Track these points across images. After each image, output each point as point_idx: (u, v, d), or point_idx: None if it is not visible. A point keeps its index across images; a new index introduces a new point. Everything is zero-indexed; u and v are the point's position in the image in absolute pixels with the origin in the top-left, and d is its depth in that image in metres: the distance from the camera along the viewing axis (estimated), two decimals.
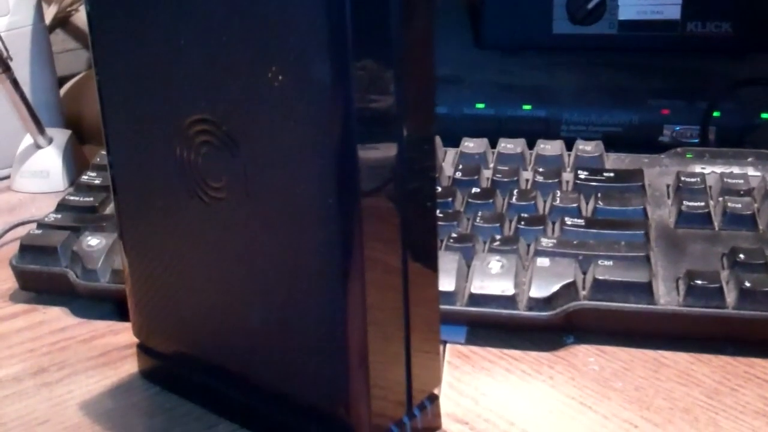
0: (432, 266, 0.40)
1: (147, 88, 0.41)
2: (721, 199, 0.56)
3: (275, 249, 0.38)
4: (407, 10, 0.35)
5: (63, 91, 0.91)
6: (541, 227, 0.54)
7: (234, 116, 0.38)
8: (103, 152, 0.65)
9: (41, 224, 0.60)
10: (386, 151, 0.36)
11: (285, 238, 0.38)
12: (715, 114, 0.71)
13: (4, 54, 0.70)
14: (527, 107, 0.74)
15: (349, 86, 0.34)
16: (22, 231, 0.65)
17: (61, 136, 0.77)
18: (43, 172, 0.75)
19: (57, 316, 0.56)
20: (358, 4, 0.33)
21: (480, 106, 0.75)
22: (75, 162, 0.77)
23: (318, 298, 0.37)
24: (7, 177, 0.77)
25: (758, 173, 0.59)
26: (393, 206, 0.37)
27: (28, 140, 0.76)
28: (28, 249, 0.57)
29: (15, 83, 0.72)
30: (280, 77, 0.35)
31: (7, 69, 0.71)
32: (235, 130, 0.38)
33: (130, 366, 0.49)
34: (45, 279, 0.57)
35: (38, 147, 0.76)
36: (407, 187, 0.37)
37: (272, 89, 0.35)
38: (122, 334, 0.53)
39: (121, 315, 0.54)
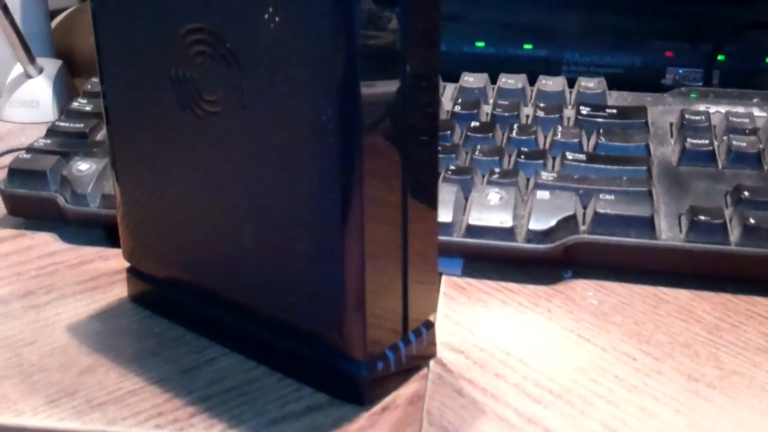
0: (431, 201, 0.39)
1: (143, 3, 0.40)
2: (725, 137, 0.55)
3: (271, 167, 0.37)
4: None
5: (54, 23, 0.90)
6: (541, 161, 0.53)
7: (233, 28, 0.36)
8: (95, 80, 0.64)
9: (30, 149, 0.58)
10: (389, 85, 0.35)
11: (282, 157, 0.36)
12: (720, 57, 0.70)
13: None
14: (528, 46, 0.73)
15: (352, 19, 0.33)
16: (10, 158, 0.64)
17: (51, 65, 0.76)
18: (33, 101, 0.74)
19: (45, 241, 0.55)
20: None
21: (480, 44, 0.74)
22: (65, 92, 0.75)
23: (316, 224, 0.37)
24: None
25: (763, 113, 0.58)
26: (394, 141, 0.36)
27: (18, 69, 0.75)
28: (16, 173, 0.56)
29: (5, 10, 0.70)
30: (282, 9, 0.34)
31: None
32: (233, 42, 0.36)
33: (119, 291, 0.48)
34: (33, 204, 0.55)
35: (28, 76, 0.75)
36: (409, 122, 0.36)
37: (269, 19, 0.34)
38: (112, 260, 0.52)
39: (111, 241, 0.53)
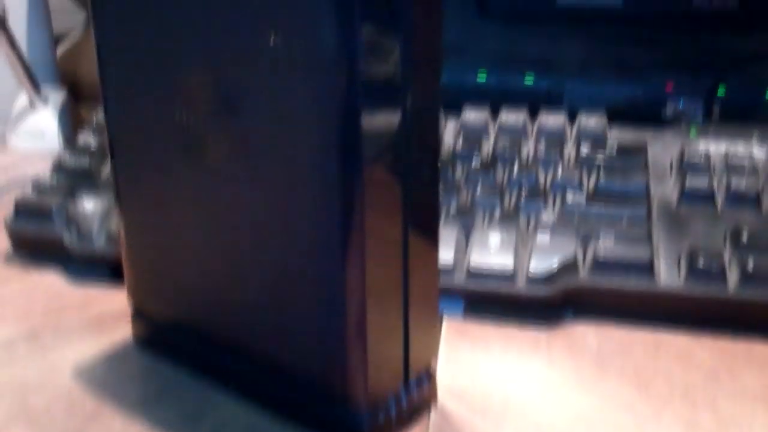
0: (433, 238, 0.40)
1: (146, 46, 0.40)
2: (725, 176, 0.55)
3: (274, 215, 0.38)
4: None
5: (60, 50, 0.90)
6: (541, 201, 0.54)
7: (235, 77, 0.37)
8: (100, 112, 0.65)
9: (36, 186, 0.59)
10: (390, 119, 0.35)
11: (284, 204, 0.37)
12: (720, 90, 0.70)
13: (1, 12, 0.69)
14: (530, 78, 0.73)
15: (355, 53, 0.33)
16: (16, 193, 0.64)
17: (56, 95, 0.76)
18: (39, 131, 0.75)
19: (52, 279, 0.55)
20: None
21: (482, 76, 0.74)
22: (70, 122, 0.76)
23: (317, 266, 0.37)
24: (2, 136, 0.77)
25: (763, 151, 0.59)
26: (395, 175, 0.36)
27: (23, 99, 0.76)
28: (22, 211, 0.57)
29: (11, 41, 0.71)
30: (283, 39, 0.34)
31: (3, 27, 0.70)
32: (235, 91, 0.37)
33: (124, 332, 0.49)
34: (39, 242, 0.56)
35: (34, 106, 0.75)
36: (410, 156, 0.36)
37: (275, 50, 0.35)
38: (117, 300, 0.52)
39: (116, 279, 0.53)
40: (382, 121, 0.35)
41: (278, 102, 0.35)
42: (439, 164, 0.39)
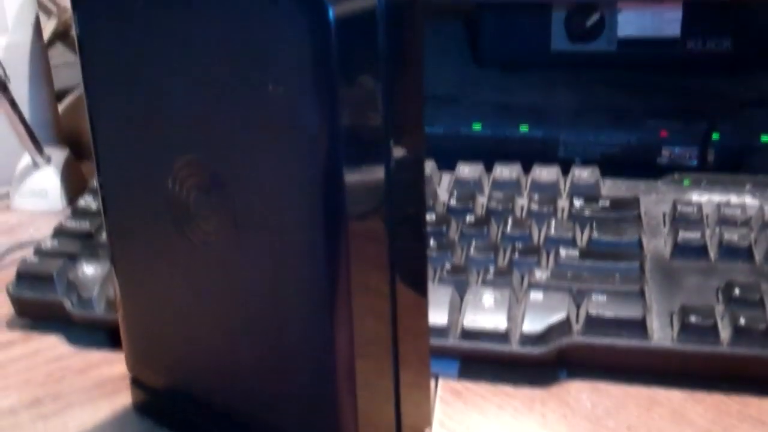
0: (422, 294, 0.40)
1: (138, 125, 0.41)
2: (717, 229, 0.56)
3: (264, 286, 0.38)
4: (395, 32, 0.34)
5: (62, 105, 0.92)
6: (535, 258, 0.54)
7: (222, 158, 0.37)
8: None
9: (38, 251, 0.60)
10: (373, 175, 0.35)
11: (273, 276, 0.37)
12: (715, 136, 0.71)
13: (2, 76, 0.70)
14: (524, 128, 0.74)
15: (335, 106, 0.33)
16: (20, 254, 0.65)
17: (59, 155, 0.77)
18: (42, 191, 0.76)
19: (53, 344, 0.56)
20: (343, 33, 0.32)
21: (477, 126, 0.75)
22: (73, 181, 0.77)
23: (305, 331, 0.37)
24: (6, 194, 0.78)
25: (756, 202, 0.59)
26: (381, 231, 0.36)
27: (26, 159, 0.77)
28: (24, 276, 0.57)
29: (13, 104, 0.72)
30: (266, 114, 0.35)
31: (5, 90, 0.71)
32: (224, 172, 0.38)
33: (124, 398, 0.49)
34: (41, 307, 0.57)
35: (36, 166, 0.76)
36: (395, 209, 0.37)
37: (259, 127, 0.35)
38: (117, 365, 0.53)
39: (116, 344, 0.53)
40: (365, 177, 0.35)
41: (264, 167, 0.36)
42: (425, 215, 0.39)
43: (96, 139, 0.44)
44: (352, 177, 0.34)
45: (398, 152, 0.36)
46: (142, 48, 0.39)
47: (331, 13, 0.32)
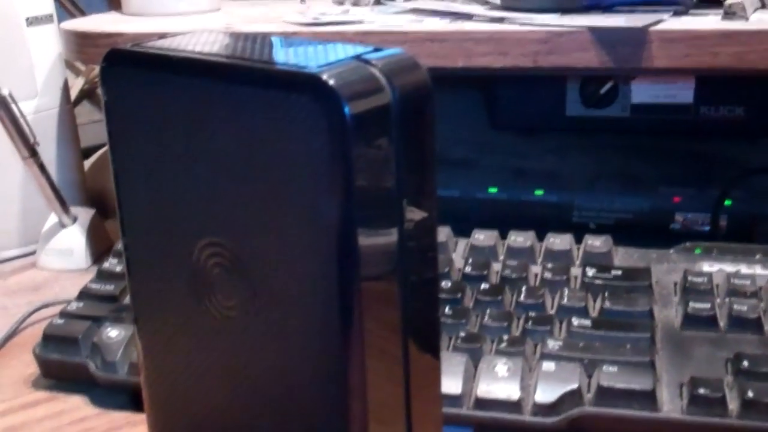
0: (435, 358, 0.40)
1: (161, 204, 0.42)
2: (727, 299, 0.57)
3: (280, 359, 0.39)
4: (408, 126, 0.36)
5: (88, 163, 0.94)
6: (548, 327, 0.55)
7: (242, 240, 0.39)
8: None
9: (63, 313, 0.61)
10: (386, 235, 0.36)
11: (289, 347, 0.38)
12: (727, 202, 0.72)
13: (32, 140, 0.72)
14: (539, 192, 0.76)
15: (349, 171, 0.34)
16: (46, 312, 0.67)
17: (84, 214, 0.79)
18: (67, 250, 0.77)
19: (77, 405, 0.57)
20: (359, 133, 0.34)
21: (492, 190, 0.77)
22: (98, 240, 0.79)
23: (320, 399, 0.38)
24: (33, 252, 0.79)
25: (766, 272, 0.60)
26: (394, 292, 0.37)
27: (53, 219, 0.78)
28: (50, 338, 0.59)
29: (41, 167, 0.74)
30: (283, 203, 0.36)
31: (34, 154, 0.73)
32: (244, 253, 0.39)
33: None
34: (66, 368, 0.58)
35: (62, 226, 0.78)
36: (409, 271, 0.37)
37: (277, 212, 0.37)
38: (140, 427, 0.54)
39: (139, 406, 0.54)
40: (378, 237, 0.36)
41: (281, 247, 0.37)
42: (438, 282, 0.40)
43: (121, 207, 0.45)
44: (366, 238, 0.35)
45: (411, 214, 0.37)
46: (165, 132, 0.41)
47: (347, 111, 0.33)
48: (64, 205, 0.77)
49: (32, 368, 0.60)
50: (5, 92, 0.69)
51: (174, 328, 0.44)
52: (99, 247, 0.78)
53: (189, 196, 0.41)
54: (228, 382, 0.42)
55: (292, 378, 0.39)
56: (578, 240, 0.66)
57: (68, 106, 0.83)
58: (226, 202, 0.39)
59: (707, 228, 0.72)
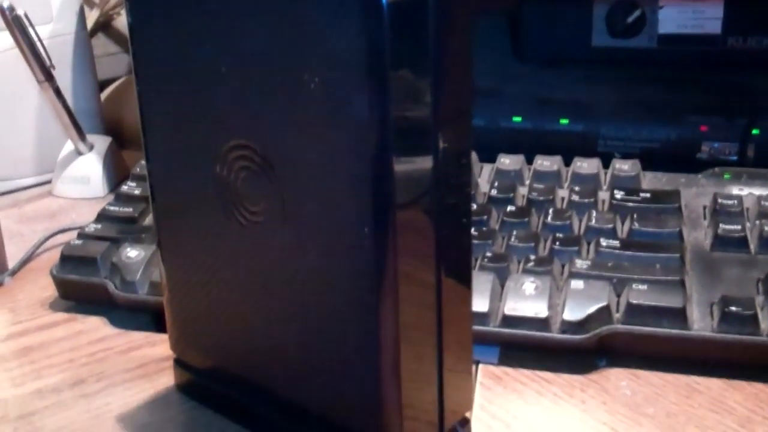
0: (466, 283, 0.40)
1: (187, 110, 0.42)
2: (758, 222, 0.56)
3: (311, 270, 0.39)
4: (444, 24, 0.35)
5: (104, 95, 0.93)
6: (576, 248, 0.55)
7: (272, 142, 0.38)
8: (143, 162, 0.66)
9: (81, 234, 0.61)
10: (422, 163, 0.36)
11: (321, 260, 0.38)
12: (755, 131, 0.71)
13: (47, 63, 0.71)
14: (564, 121, 0.74)
15: (385, 98, 0.34)
16: (62, 238, 0.66)
17: (101, 142, 0.78)
18: (84, 178, 0.76)
19: (96, 326, 0.57)
20: (395, 21, 0.33)
21: (517, 119, 0.75)
22: (115, 168, 0.78)
23: (352, 316, 0.38)
24: (49, 182, 0.79)
25: None
26: (428, 221, 0.37)
27: (69, 146, 0.78)
28: (68, 259, 0.58)
29: (57, 92, 0.73)
30: (317, 101, 0.35)
31: (50, 78, 0.72)
32: (273, 156, 0.38)
33: (167, 379, 0.50)
34: (84, 289, 0.57)
35: (79, 153, 0.77)
36: (442, 201, 0.37)
37: (309, 113, 0.36)
38: (159, 346, 0.53)
39: (159, 326, 0.54)
40: (413, 165, 0.36)
41: (315, 162, 0.36)
42: (471, 207, 0.40)
43: (145, 124, 0.45)
44: (401, 167, 0.35)
45: (445, 143, 0.36)
46: (192, 35, 0.40)
47: (384, 0, 0.32)
48: (80, 132, 0.76)
49: (49, 291, 0.60)
50: (21, 12, 0.68)
51: (199, 241, 0.44)
52: (116, 175, 0.77)
53: (216, 99, 0.40)
54: (254, 294, 0.42)
55: (323, 293, 0.39)
56: (605, 167, 0.64)
57: (84, 32, 0.81)
58: (254, 103, 0.38)
59: (734, 157, 0.71)
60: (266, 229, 0.40)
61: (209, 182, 0.41)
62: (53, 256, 0.60)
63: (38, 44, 0.70)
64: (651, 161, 0.66)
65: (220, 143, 0.40)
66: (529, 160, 0.65)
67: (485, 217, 0.58)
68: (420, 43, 0.34)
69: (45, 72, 0.71)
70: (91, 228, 0.61)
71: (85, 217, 0.70)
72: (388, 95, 0.34)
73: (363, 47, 0.33)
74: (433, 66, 0.35)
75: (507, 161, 0.65)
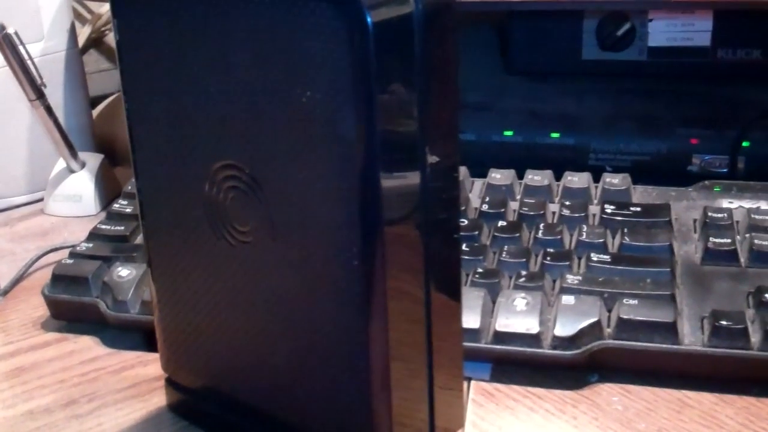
0: (456, 298, 0.40)
1: (176, 129, 0.42)
2: (747, 235, 0.56)
3: (300, 289, 0.39)
4: (431, 41, 0.35)
5: (96, 111, 0.93)
6: (567, 263, 0.55)
7: (260, 162, 0.38)
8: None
9: (73, 254, 0.60)
10: (409, 179, 0.36)
11: (309, 279, 0.38)
12: (745, 144, 0.71)
13: (38, 81, 0.71)
14: (555, 135, 0.74)
15: (372, 115, 0.34)
16: (54, 257, 0.66)
17: (93, 160, 0.78)
18: (76, 196, 0.76)
19: (87, 345, 0.56)
20: (381, 39, 0.33)
21: (508, 133, 0.75)
22: (107, 186, 0.78)
23: (341, 334, 0.38)
24: (41, 200, 0.78)
25: None
26: (416, 236, 0.37)
27: (61, 164, 0.78)
28: (59, 278, 0.58)
29: (48, 110, 0.73)
30: (304, 119, 0.35)
31: (41, 96, 0.72)
32: (261, 175, 0.38)
33: (158, 399, 0.50)
34: (76, 309, 0.57)
35: (71, 171, 0.77)
36: (431, 217, 0.37)
37: (297, 132, 0.36)
38: (151, 366, 0.53)
39: (151, 346, 0.54)
40: (401, 182, 0.36)
41: (300, 173, 0.36)
42: (459, 220, 0.40)
43: (134, 142, 0.45)
44: (389, 183, 0.35)
45: (433, 159, 0.36)
46: (180, 54, 0.40)
47: (369, 18, 0.32)
48: (72, 150, 0.76)
49: (41, 311, 0.60)
50: (11, 31, 0.68)
51: (189, 262, 0.44)
52: (108, 192, 0.77)
53: (204, 118, 0.40)
54: (244, 313, 0.42)
55: (312, 311, 0.39)
56: (596, 181, 0.65)
57: (75, 49, 0.81)
58: (242, 123, 0.38)
59: (725, 170, 0.71)
60: (255, 249, 0.40)
61: (198, 201, 0.41)
62: (45, 275, 0.60)
63: (29, 62, 0.70)
64: (642, 174, 0.66)
65: (208, 163, 0.40)
66: (520, 175, 0.65)
67: (476, 232, 0.58)
68: (406, 60, 0.34)
69: (36, 90, 0.71)
70: (83, 247, 0.61)
71: (78, 235, 0.70)
72: (374, 113, 0.34)
73: (349, 66, 0.33)
74: (420, 82, 0.35)
75: (498, 176, 0.65)
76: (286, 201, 0.38)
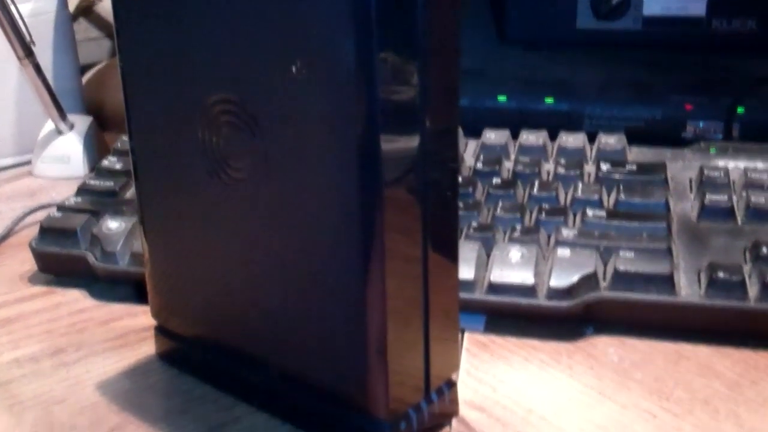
0: (452, 256, 0.40)
1: (171, 67, 0.41)
2: (744, 193, 0.55)
3: (295, 231, 0.38)
4: (433, 1, 0.35)
5: (85, 79, 0.92)
6: (562, 218, 0.54)
7: (257, 98, 0.37)
8: (124, 138, 0.66)
9: (61, 207, 0.60)
10: (409, 141, 0.36)
11: (305, 221, 0.37)
12: (739, 110, 0.70)
13: (27, 39, 0.70)
14: (549, 101, 0.74)
15: (373, 76, 0.33)
16: (41, 215, 0.65)
17: (82, 122, 0.77)
18: (64, 157, 0.76)
19: (75, 298, 0.56)
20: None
21: (502, 98, 0.75)
22: (96, 148, 0.77)
23: (338, 283, 0.37)
24: (28, 162, 0.78)
25: None
26: (414, 196, 0.37)
27: (49, 126, 0.77)
28: (47, 231, 0.57)
29: (37, 68, 0.72)
30: (304, 62, 0.35)
31: (30, 54, 0.71)
32: (257, 111, 0.38)
33: (147, 348, 0.49)
34: (64, 261, 0.57)
35: (59, 133, 0.76)
36: (429, 177, 0.37)
37: (296, 73, 0.35)
38: (140, 317, 0.53)
39: (140, 298, 0.53)
40: (400, 142, 0.35)
41: (300, 125, 0.36)
42: (458, 183, 0.39)
43: (126, 86, 0.44)
44: (388, 143, 0.35)
45: (433, 122, 0.36)
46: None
47: None
48: (61, 111, 0.75)
49: (28, 266, 0.59)
50: None
51: (182, 204, 0.43)
52: (97, 154, 0.77)
53: (199, 52, 0.39)
54: (239, 256, 0.41)
55: (309, 257, 0.38)
56: (591, 142, 0.64)
57: (66, 11, 0.81)
58: (237, 55, 0.38)
59: (719, 136, 0.70)
60: (249, 186, 0.39)
61: (193, 145, 0.41)
62: (32, 233, 0.59)
63: (19, 21, 0.69)
64: (636, 140, 0.65)
65: (204, 97, 0.39)
66: (515, 137, 0.65)
67: (471, 189, 0.58)
68: (408, 20, 0.34)
69: (25, 48, 0.70)
70: (71, 201, 0.60)
71: (65, 195, 0.69)
72: (374, 73, 0.33)
73: (351, 25, 0.33)
74: (421, 44, 0.35)
75: (492, 136, 0.64)
76: (283, 139, 0.37)
